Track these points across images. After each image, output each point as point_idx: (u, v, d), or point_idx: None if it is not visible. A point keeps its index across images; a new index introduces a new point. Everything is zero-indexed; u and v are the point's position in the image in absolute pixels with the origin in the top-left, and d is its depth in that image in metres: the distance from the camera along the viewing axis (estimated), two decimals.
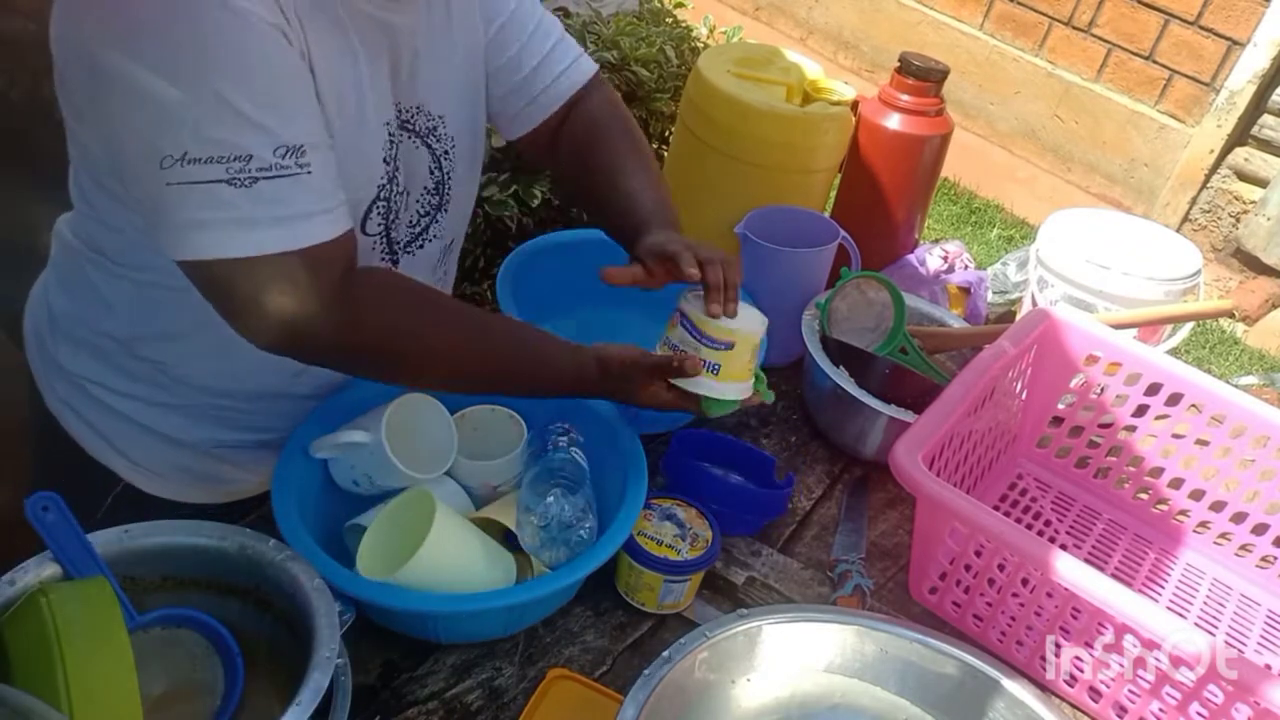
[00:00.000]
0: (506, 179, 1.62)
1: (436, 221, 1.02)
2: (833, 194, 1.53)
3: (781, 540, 1.14)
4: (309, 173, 0.78)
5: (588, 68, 1.12)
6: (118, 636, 0.71)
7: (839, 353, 1.26)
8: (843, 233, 1.35)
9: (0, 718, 0.63)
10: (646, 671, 0.78)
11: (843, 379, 1.21)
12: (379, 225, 0.93)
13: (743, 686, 0.86)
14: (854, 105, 1.43)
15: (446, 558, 0.88)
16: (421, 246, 1.01)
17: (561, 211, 1.82)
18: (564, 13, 1.84)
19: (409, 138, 0.95)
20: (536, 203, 1.69)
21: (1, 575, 0.75)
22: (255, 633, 0.83)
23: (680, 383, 0.96)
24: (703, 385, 0.96)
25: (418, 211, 0.99)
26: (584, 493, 0.94)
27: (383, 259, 0.96)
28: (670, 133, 1.85)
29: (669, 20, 2.02)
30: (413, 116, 0.95)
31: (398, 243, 0.97)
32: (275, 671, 0.81)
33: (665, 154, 1.86)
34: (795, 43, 4.43)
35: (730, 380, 0.97)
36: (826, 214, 1.44)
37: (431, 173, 0.99)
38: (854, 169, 1.47)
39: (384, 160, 0.90)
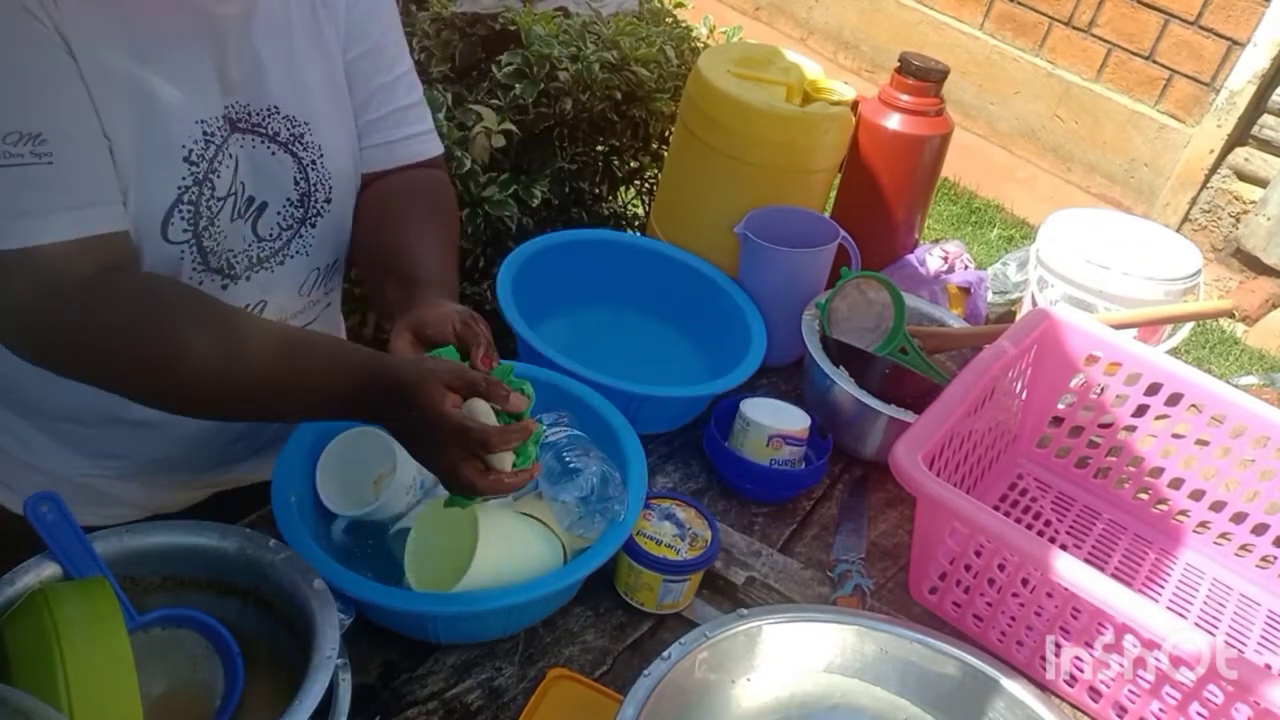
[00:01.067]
0: (506, 179, 1.62)
1: (300, 236, 0.95)
2: (833, 194, 1.53)
3: (781, 540, 1.14)
4: (49, 163, 0.73)
5: (437, 147, 1.07)
6: (118, 636, 0.71)
7: (839, 353, 1.26)
8: (843, 233, 1.35)
9: (0, 717, 0.63)
10: (646, 671, 0.78)
11: (843, 379, 1.21)
12: (185, 232, 0.85)
13: (743, 686, 0.86)
14: (854, 105, 1.43)
15: (499, 558, 0.88)
16: (281, 263, 0.95)
17: (561, 211, 1.82)
18: (564, 13, 1.83)
19: (261, 141, 0.90)
20: (536, 202, 1.69)
21: (1, 575, 0.75)
22: (255, 633, 0.83)
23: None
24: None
25: (278, 224, 0.93)
26: (600, 462, 0.95)
27: (195, 269, 0.88)
28: (670, 133, 1.85)
29: (669, 20, 2.01)
30: (265, 119, 0.90)
31: (213, 252, 0.89)
32: (275, 671, 0.81)
33: (665, 154, 1.86)
34: (795, 43, 4.43)
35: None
36: (826, 214, 1.43)
37: (296, 183, 0.93)
38: (854, 169, 1.47)
39: (185, 160, 0.83)
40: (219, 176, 0.86)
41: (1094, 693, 0.98)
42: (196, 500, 1.09)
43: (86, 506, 1.00)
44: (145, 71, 0.80)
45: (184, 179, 0.84)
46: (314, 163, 0.94)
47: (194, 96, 0.84)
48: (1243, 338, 3.41)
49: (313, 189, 0.95)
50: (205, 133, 0.85)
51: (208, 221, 0.87)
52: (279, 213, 0.93)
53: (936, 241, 1.54)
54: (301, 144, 0.93)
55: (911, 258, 1.51)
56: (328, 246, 1.00)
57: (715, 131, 1.36)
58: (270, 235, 0.93)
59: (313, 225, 0.96)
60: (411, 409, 0.79)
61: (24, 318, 0.76)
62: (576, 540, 0.95)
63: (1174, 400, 1.22)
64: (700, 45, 1.95)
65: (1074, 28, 3.81)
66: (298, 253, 0.96)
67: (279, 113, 0.91)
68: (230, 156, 0.87)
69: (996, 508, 1.23)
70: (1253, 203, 3.57)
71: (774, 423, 1.15)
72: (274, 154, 0.91)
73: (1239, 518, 1.21)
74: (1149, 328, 1.38)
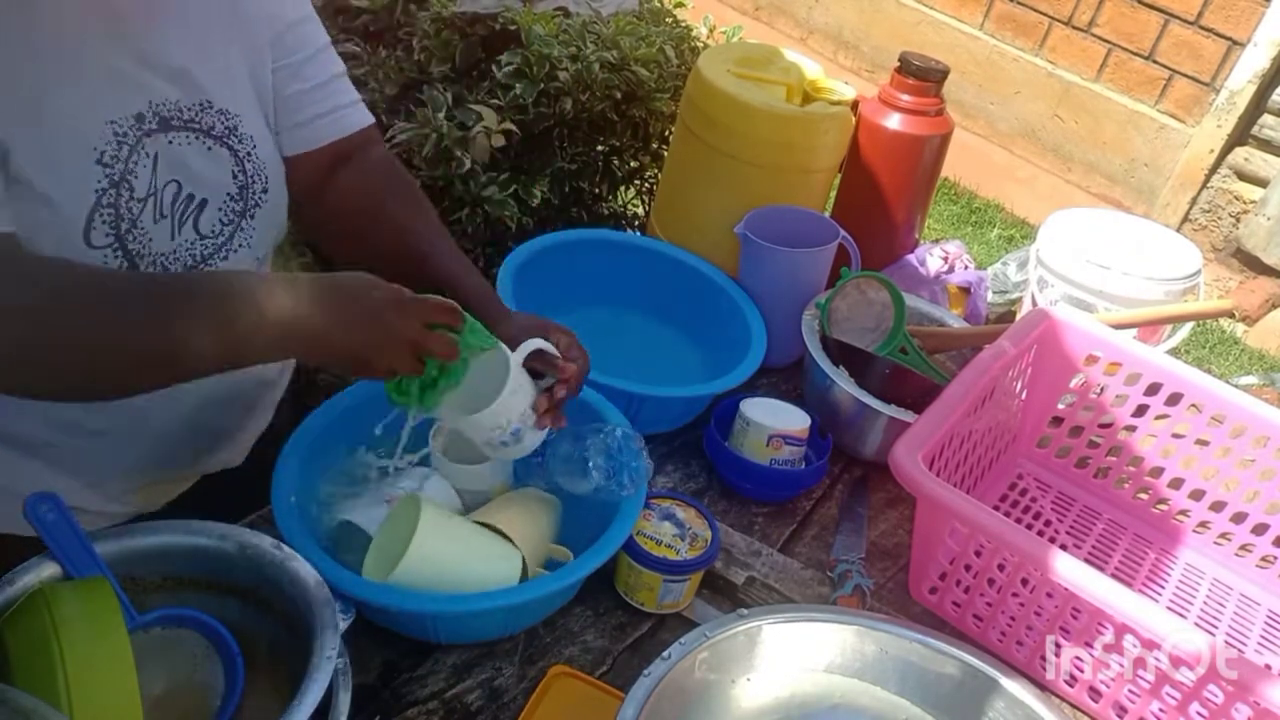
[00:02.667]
0: (506, 179, 1.62)
1: (241, 229, 0.94)
2: (833, 194, 1.53)
3: (781, 540, 1.14)
4: None
5: (367, 117, 1.07)
6: (118, 636, 0.71)
7: (839, 353, 1.26)
8: (843, 233, 1.35)
9: (0, 717, 0.63)
10: (646, 671, 0.78)
11: (843, 379, 1.21)
12: (108, 237, 0.83)
13: (743, 686, 0.86)
14: (854, 105, 1.43)
15: (440, 554, 0.88)
16: (225, 258, 0.93)
17: (561, 211, 1.82)
18: (564, 12, 1.83)
19: (196, 137, 0.89)
20: (536, 202, 1.69)
21: (1, 575, 0.75)
22: (255, 633, 0.83)
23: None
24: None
25: (220, 220, 0.92)
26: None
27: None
28: (670, 133, 1.85)
29: (669, 20, 2.01)
30: (198, 114, 0.88)
31: (141, 256, 0.86)
32: (275, 671, 0.81)
33: (665, 154, 1.86)
34: (795, 42, 4.43)
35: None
36: (826, 214, 1.43)
37: (235, 176, 0.93)
38: (854, 169, 1.47)
39: (99, 162, 0.81)
40: (136, 178, 0.84)
41: (1094, 693, 0.98)
42: (174, 496, 1.07)
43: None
44: (45, 73, 0.78)
45: (100, 182, 0.82)
46: (249, 154, 0.94)
47: (100, 96, 0.82)
48: (1243, 338, 3.41)
49: (250, 180, 0.94)
50: (116, 133, 0.83)
51: (129, 224, 0.85)
52: (220, 208, 0.92)
53: (936, 241, 1.54)
54: (236, 136, 0.92)
55: (911, 258, 1.51)
56: (267, 236, 0.99)
57: (715, 131, 1.36)
58: (213, 232, 0.92)
59: (252, 217, 0.96)
60: (370, 286, 0.82)
61: None
62: (536, 562, 0.94)
63: (1174, 400, 1.22)
64: (700, 45, 1.95)
65: (1074, 27, 3.81)
66: (241, 245, 0.95)
67: (211, 107, 0.90)
68: (147, 155, 0.85)
69: (996, 508, 1.23)
70: (1253, 202, 3.57)
71: (774, 423, 1.15)
72: (210, 149, 0.90)
73: (1239, 518, 1.21)
74: (1149, 328, 1.38)
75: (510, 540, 0.93)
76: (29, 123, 0.77)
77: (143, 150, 0.85)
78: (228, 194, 0.93)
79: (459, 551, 0.90)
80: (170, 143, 0.87)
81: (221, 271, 0.90)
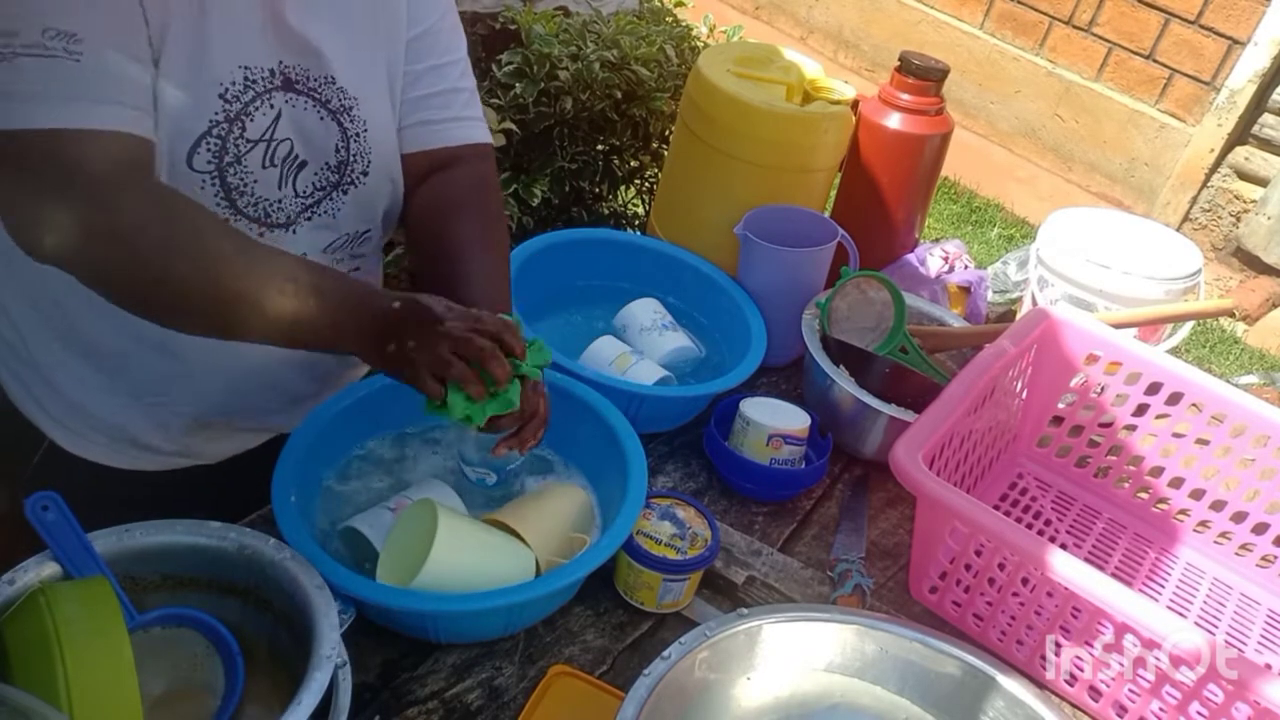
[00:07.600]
0: (507, 178, 1.62)
1: (331, 199, 1.00)
2: (833, 194, 1.53)
3: (781, 540, 1.14)
4: (77, 61, 0.77)
5: (486, 134, 1.10)
6: (118, 636, 0.71)
7: (839, 352, 1.26)
8: (842, 232, 1.35)
9: (0, 717, 0.63)
10: (646, 671, 0.78)
11: (843, 378, 1.21)
12: (209, 163, 0.89)
13: (743, 686, 0.86)
14: (854, 104, 1.43)
15: (459, 558, 0.89)
16: (309, 219, 0.99)
17: (562, 210, 1.83)
18: (564, 12, 1.84)
19: (313, 105, 0.95)
20: (537, 202, 1.69)
21: (1, 575, 0.75)
22: (255, 633, 0.83)
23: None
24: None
25: (313, 183, 0.98)
26: None
27: (218, 203, 0.91)
28: (670, 132, 1.85)
29: (669, 19, 2.02)
30: (320, 85, 0.95)
31: (240, 191, 0.92)
32: (275, 671, 0.81)
33: (665, 153, 1.86)
34: (795, 42, 4.43)
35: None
36: (826, 213, 1.43)
37: (337, 150, 0.98)
38: (854, 168, 1.47)
39: (220, 96, 0.88)
40: (252, 120, 0.91)
41: (1094, 692, 0.98)
42: (229, 454, 1.11)
43: (123, 449, 1.05)
44: (204, 13, 0.86)
45: (216, 114, 0.88)
46: (358, 135, 0.99)
47: (242, 44, 0.89)
48: (1243, 337, 3.41)
49: (352, 158, 1.00)
50: (247, 77, 0.89)
51: (233, 159, 0.91)
52: (316, 173, 0.98)
53: (936, 241, 1.54)
54: (349, 116, 0.98)
55: (911, 257, 1.51)
56: (358, 216, 1.04)
57: (715, 131, 1.36)
58: (305, 192, 0.98)
59: (344, 192, 1.01)
60: (422, 300, 0.85)
61: (41, 206, 0.78)
62: (550, 552, 0.95)
63: (1174, 399, 1.22)
64: (700, 44, 1.96)
65: (1074, 27, 3.81)
66: (326, 213, 1.00)
67: (334, 83, 0.96)
68: (271, 106, 0.92)
69: (996, 507, 1.23)
70: (1253, 202, 3.57)
71: (774, 422, 1.15)
72: (321, 119, 0.96)
73: (1239, 517, 1.21)
74: (1149, 327, 1.38)
75: (523, 539, 0.93)
76: (183, 49, 0.85)
77: (269, 100, 0.91)
78: (325, 163, 0.98)
79: (474, 557, 0.91)
80: (288, 103, 0.93)
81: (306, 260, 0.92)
